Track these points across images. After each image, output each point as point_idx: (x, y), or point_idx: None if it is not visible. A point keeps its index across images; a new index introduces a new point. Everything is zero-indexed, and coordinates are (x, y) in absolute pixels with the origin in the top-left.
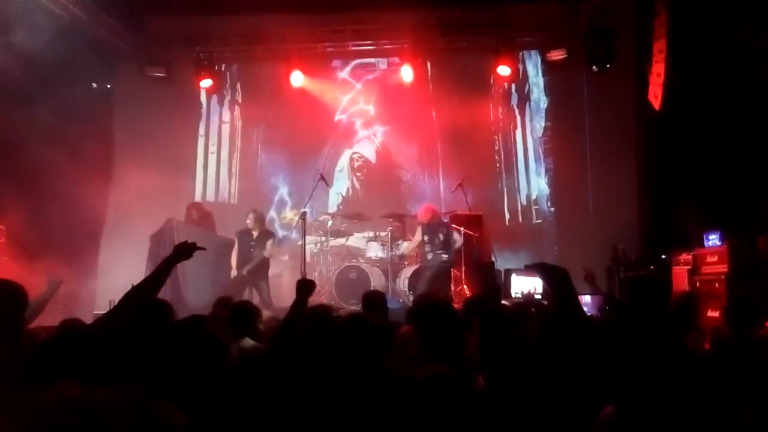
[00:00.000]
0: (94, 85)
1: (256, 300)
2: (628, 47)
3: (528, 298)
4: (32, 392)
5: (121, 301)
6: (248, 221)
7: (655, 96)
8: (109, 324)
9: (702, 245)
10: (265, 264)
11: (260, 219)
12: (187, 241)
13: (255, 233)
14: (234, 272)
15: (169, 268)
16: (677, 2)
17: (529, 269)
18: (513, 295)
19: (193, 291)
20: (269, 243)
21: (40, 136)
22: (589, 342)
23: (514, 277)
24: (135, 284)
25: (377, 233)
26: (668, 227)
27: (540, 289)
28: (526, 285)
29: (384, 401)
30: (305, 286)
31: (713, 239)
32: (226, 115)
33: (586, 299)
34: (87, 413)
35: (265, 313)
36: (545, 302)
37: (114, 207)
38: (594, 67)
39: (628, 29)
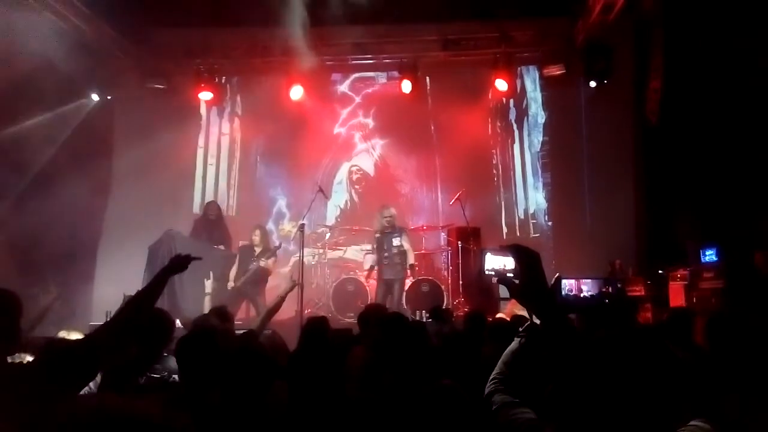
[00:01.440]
0: (95, 96)
1: (252, 313)
2: (625, 63)
3: (500, 274)
4: (71, 400)
5: (117, 312)
6: (255, 237)
7: (652, 111)
8: (105, 335)
9: (699, 260)
10: (263, 278)
11: (265, 236)
12: (180, 254)
13: (258, 249)
14: (231, 284)
15: (164, 279)
16: (674, 19)
17: (503, 249)
18: (486, 272)
19: (190, 302)
20: (271, 260)
21: (39, 146)
22: (551, 321)
23: (488, 256)
24: (129, 296)
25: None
26: (666, 242)
27: (510, 267)
28: (498, 262)
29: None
30: None
31: (710, 254)
32: (226, 127)
33: (586, 281)
34: (129, 423)
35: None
36: (516, 280)
37: (112, 217)
38: (592, 83)
39: (626, 45)
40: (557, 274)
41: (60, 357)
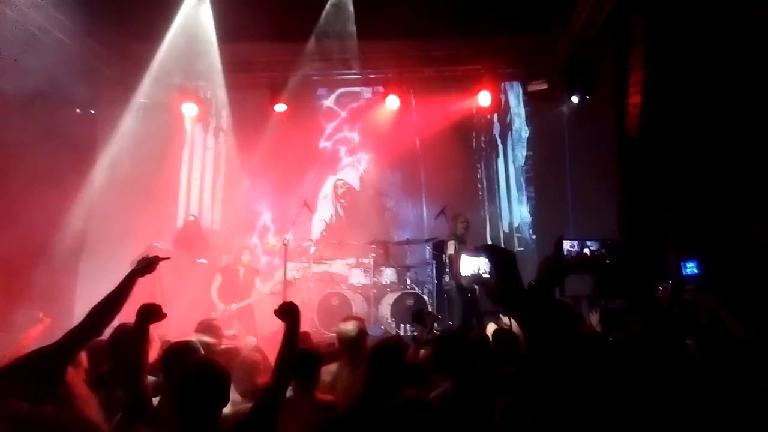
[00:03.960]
0: (78, 110)
1: (237, 327)
2: (607, 78)
3: (476, 277)
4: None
5: (84, 319)
6: (245, 258)
7: (632, 126)
8: (73, 341)
9: (680, 273)
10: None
11: (250, 258)
12: (147, 255)
13: (241, 269)
14: (222, 306)
15: (131, 282)
16: (653, 35)
17: (479, 250)
18: (463, 275)
19: (174, 315)
20: (257, 281)
21: (20, 161)
22: (527, 319)
23: (463, 257)
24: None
25: (360, 260)
26: (648, 255)
27: (485, 269)
28: (473, 264)
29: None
30: (290, 312)
31: (691, 267)
32: (211, 142)
33: (589, 242)
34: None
35: (249, 339)
36: (492, 281)
37: (94, 232)
38: (574, 98)
39: (607, 61)
40: (559, 235)
41: (25, 363)
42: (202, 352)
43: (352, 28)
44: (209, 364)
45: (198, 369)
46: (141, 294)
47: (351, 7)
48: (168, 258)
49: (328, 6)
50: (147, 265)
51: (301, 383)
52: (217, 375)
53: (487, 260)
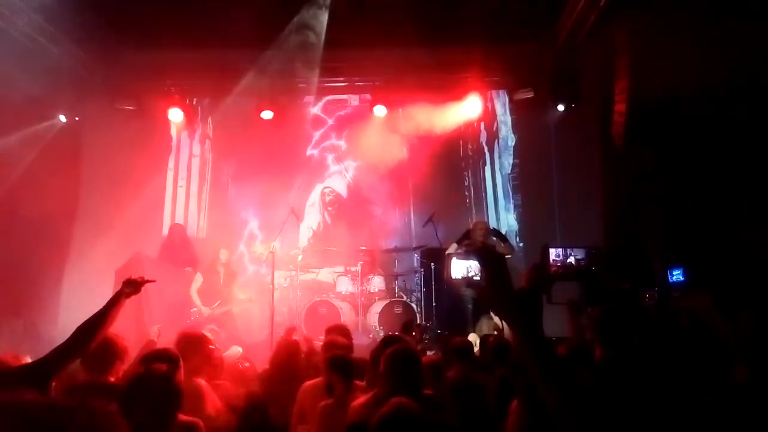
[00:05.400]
0: (63, 117)
1: (222, 337)
2: (592, 87)
3: (467, 280)
4: None
5: (70, 337)
6: (222, 256)
7: (618, 134)
8: (59, 358)
9: (666, 281)
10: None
11: (228, 257)
12: (132, 276)
13: (221, 270)
14: (203, 309)
15: (118, 303)
16: (638, 45)
17: (468, 253)
18: (453, 278)
19: (159, 324)
20: (234, 285)
21: (3, 168)
22: (518, 322)
23: (454, 261)
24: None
25: (347, 268)
26: (634, 262)
27: (475, 271)
28: (463, 267)
29: None
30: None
31: (677, 274)
32: (197, 149)
33: (575, 250)
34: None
35: (234, 349)
36: (482, 284)
37: (79, 240)
38: (560, 106)
39: (592, 69)
40: (545, 243)
41: (11, 378)
42: (180, 360)
43: (335, 35)
44: (151, 373)
45: (140, 379)
46: (126, 305)
47: (326, 16)
48: (154, 281)
49: (313, 12)
50: (133, 287)
51: (346, 384)
52: (158, 384)
53: (476, 263)
